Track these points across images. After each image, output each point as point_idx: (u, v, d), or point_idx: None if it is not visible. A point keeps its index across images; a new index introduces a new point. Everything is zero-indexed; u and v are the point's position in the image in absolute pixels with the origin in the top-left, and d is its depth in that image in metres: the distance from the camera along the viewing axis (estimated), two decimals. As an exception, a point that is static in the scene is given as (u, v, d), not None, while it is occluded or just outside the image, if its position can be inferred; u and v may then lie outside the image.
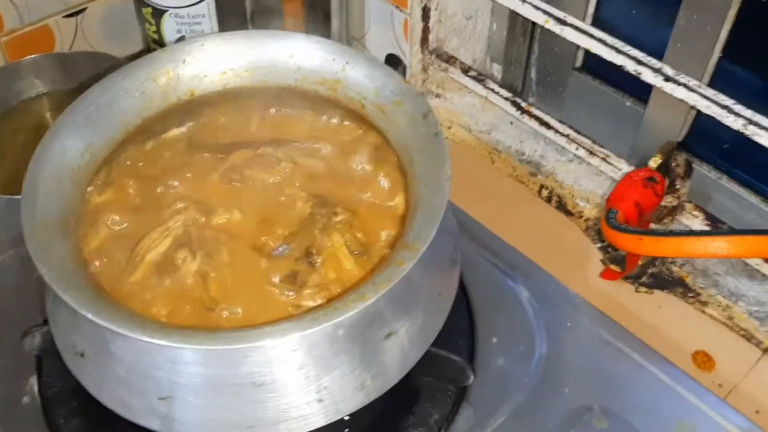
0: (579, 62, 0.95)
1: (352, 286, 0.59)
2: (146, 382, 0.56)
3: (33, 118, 1.02)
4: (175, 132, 0.70)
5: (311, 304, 0.58)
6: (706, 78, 0.79)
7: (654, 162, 0.77)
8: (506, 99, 0.96)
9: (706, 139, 0.85)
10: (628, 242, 0.70)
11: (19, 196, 0.85)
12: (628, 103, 0.91)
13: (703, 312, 0.82)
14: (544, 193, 0.94)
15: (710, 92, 0.75)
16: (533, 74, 1.00)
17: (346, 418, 0.67)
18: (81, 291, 0.52)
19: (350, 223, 0.62)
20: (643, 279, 0.85)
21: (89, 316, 0.50)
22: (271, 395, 0.56)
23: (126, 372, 0.56)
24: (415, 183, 0.60)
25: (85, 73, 1.02)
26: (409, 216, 0.58)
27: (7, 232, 0.88)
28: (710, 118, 0.78)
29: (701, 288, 0.83)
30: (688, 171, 0.79)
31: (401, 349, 0.59)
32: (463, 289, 0.76)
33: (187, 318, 0.57)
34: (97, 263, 0.59)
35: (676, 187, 0.79)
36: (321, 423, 0.58)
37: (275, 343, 0.54)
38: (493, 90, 0.97)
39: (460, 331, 0.72)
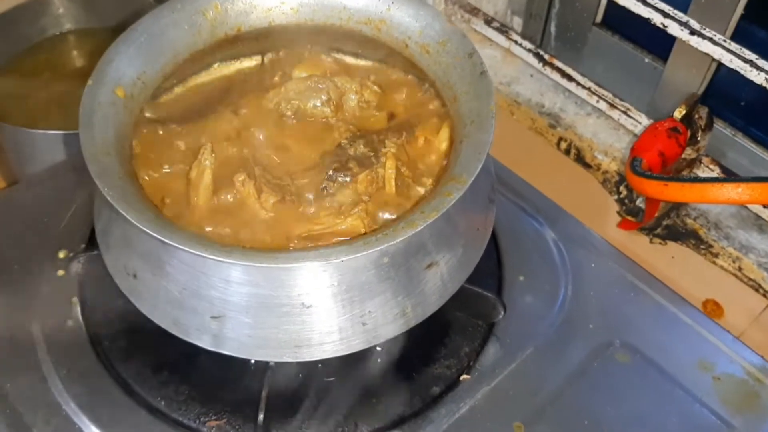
0: (599, 17, 0.96)
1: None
2: (200, 301, 0.58)
3: (57, 55, 1.02)
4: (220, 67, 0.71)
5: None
6: (728, 34, 0.81)
7: (678, 113, 0.80)
8: (529, 51, 0.98)
9: (723, 97, 0.88)
10: (653, 188, 0.73)
11: (51, 131, 0.87)
12: (646, 60, 0.93)
13: (714, 263, 0.86)
14: (563, 145, 0.96)
15: (735, 46, 0.78)
16: (553, 28, 1.01)
17: (379, 349, 0.70)
18: (143, 212, 0.54)
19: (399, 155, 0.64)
20: (658, 231, 0.88)
21: (154, 234, 0.52)
22: (318, 317, 0.58)
23: (180, 292, 0.58)
24: (459, 120, 0.62)
25: (108, 12, 1.02)
26: (455, 151, 0.60)
27: (34, 166, 0.90)
28: (728, 76, 0.81)
29: (713, 240, 0.86)
30: (710, 123, 0.82)
31: (441, 279, 0.62)
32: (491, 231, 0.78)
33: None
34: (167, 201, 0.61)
35: (697, 139, 0.82)
36: (362, 346, 0.60)
37: (327, 266, 0.56)
38: (516, 41, 0.99)
39: (489, 270, 0.75)
